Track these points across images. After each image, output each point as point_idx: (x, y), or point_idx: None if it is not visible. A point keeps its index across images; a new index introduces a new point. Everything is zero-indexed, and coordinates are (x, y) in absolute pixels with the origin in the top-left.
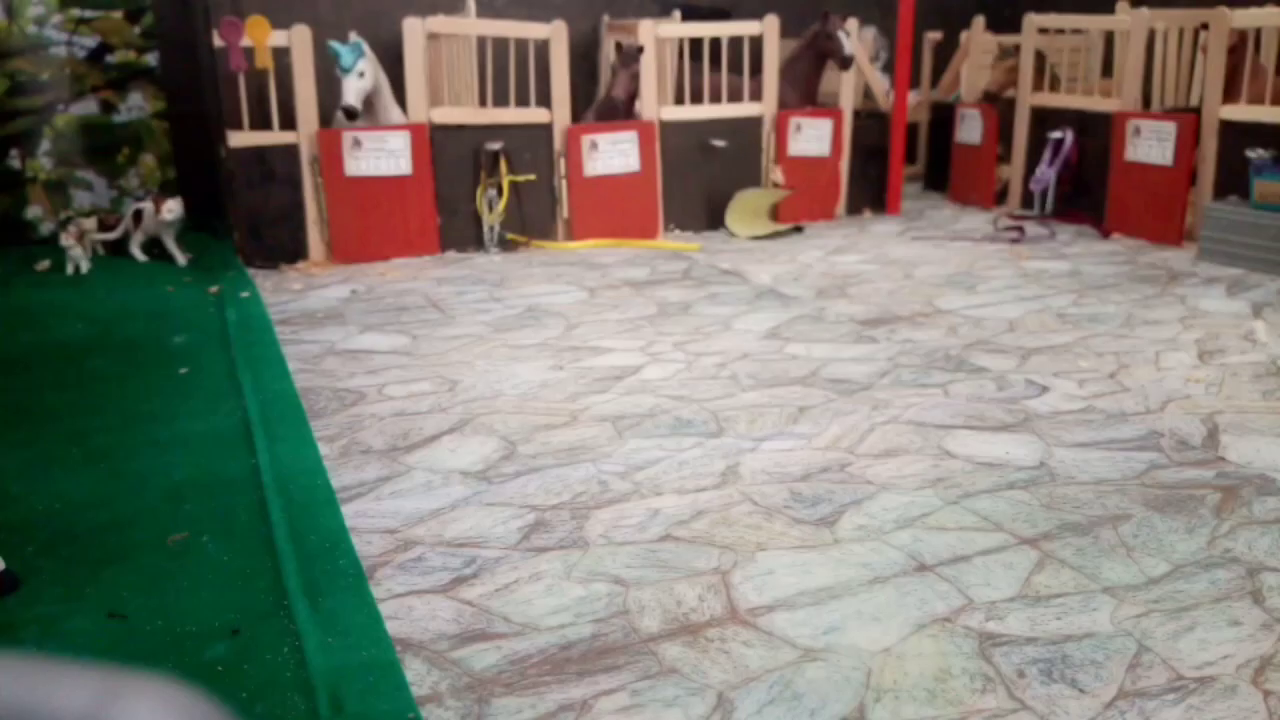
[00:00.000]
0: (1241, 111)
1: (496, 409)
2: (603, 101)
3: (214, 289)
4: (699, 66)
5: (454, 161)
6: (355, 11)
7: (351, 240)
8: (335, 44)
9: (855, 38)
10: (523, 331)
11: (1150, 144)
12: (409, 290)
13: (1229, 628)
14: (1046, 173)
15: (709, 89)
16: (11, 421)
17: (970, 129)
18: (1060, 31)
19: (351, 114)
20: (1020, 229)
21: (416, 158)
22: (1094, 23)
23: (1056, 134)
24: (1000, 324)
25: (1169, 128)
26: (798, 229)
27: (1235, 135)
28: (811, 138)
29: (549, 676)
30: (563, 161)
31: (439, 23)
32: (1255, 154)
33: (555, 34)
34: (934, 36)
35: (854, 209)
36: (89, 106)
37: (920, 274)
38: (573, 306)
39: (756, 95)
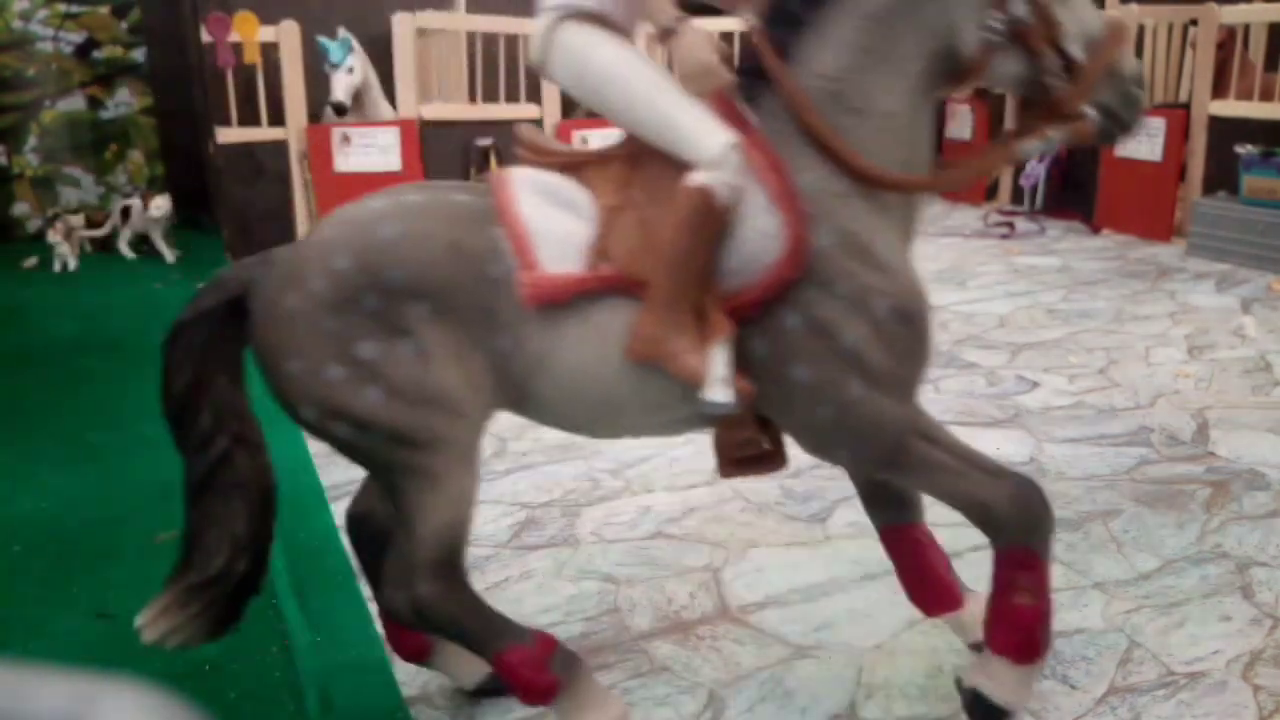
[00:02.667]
0: (1230, 107)
1: None
2: None
3: (202, 286)
4: None
5: (444, 158)
6: (344, 7)
7: None
8: (324, 39)
9: None
10: None
11: (1139, 140)
12: None
13: (1219, 623)
14: (1036, 169)
15: None
16: None
17: (961, 124)
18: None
19: (340, 110)
20: (1010, 224)
21: (406, 154)
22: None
23: None
24: (990, 319)
25: (1158, 123)
26: None
27: (1224, 130)
28: None
29: None
30: None
31: (428, 18)
32: (1244, 149)
33: None
34: None
35: None
36: (76, 102)
37: None
38: None
39: None
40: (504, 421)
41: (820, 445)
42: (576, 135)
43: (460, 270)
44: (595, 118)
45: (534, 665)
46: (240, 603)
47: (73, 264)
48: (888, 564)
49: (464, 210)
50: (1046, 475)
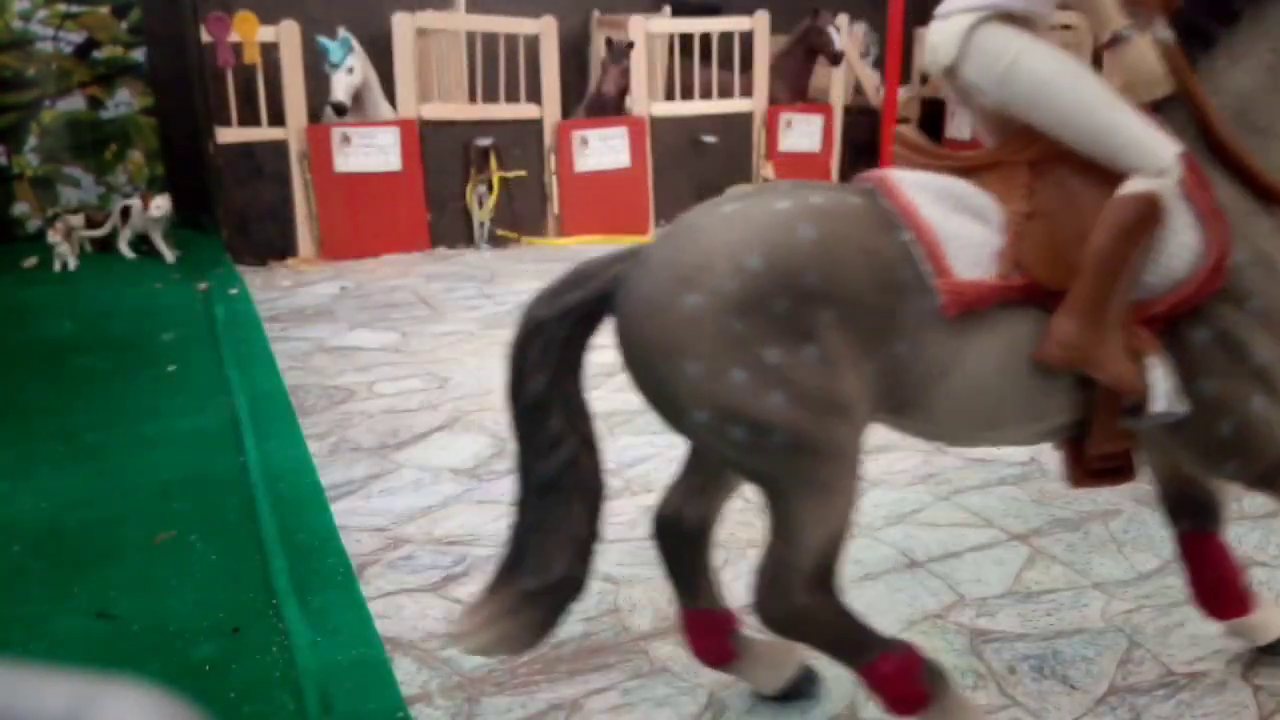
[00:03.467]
0: None
1: (487, 406)
2: (593, 97)
3: (202, 286)
4: (689, 62)
5: (444, 157)
6: (344, 7)
7: (341, 237)
8: (324, 39)
9: (845, 33)
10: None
11: None
12: (399, 287)
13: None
14: None
15: (699, 85)
16: None
17: (961, 125)
18: (1050, 27)
19: (341, 110)
20: None
21: (406, 154)
22: (1084, 19)
23: None
24: None
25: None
26: None
27: None
28: (802, 133)
29: (539, 675)
30: (553, 157)
31: (428, 18)
32: None
33: (545, 29)
34: (924, 32)
35: None
36: (76, 102)
37: None
38: None
39: (747, 91)
40: (503, 421)
41: (1208, 459)
42: (575, 135)
43: (870, 275)
44: (594, 117)
45: (906, 676)
46: (566, 607)
47: (73, 264)
48: (888, 564)
49: (868, 214)
50: (1047, 475)
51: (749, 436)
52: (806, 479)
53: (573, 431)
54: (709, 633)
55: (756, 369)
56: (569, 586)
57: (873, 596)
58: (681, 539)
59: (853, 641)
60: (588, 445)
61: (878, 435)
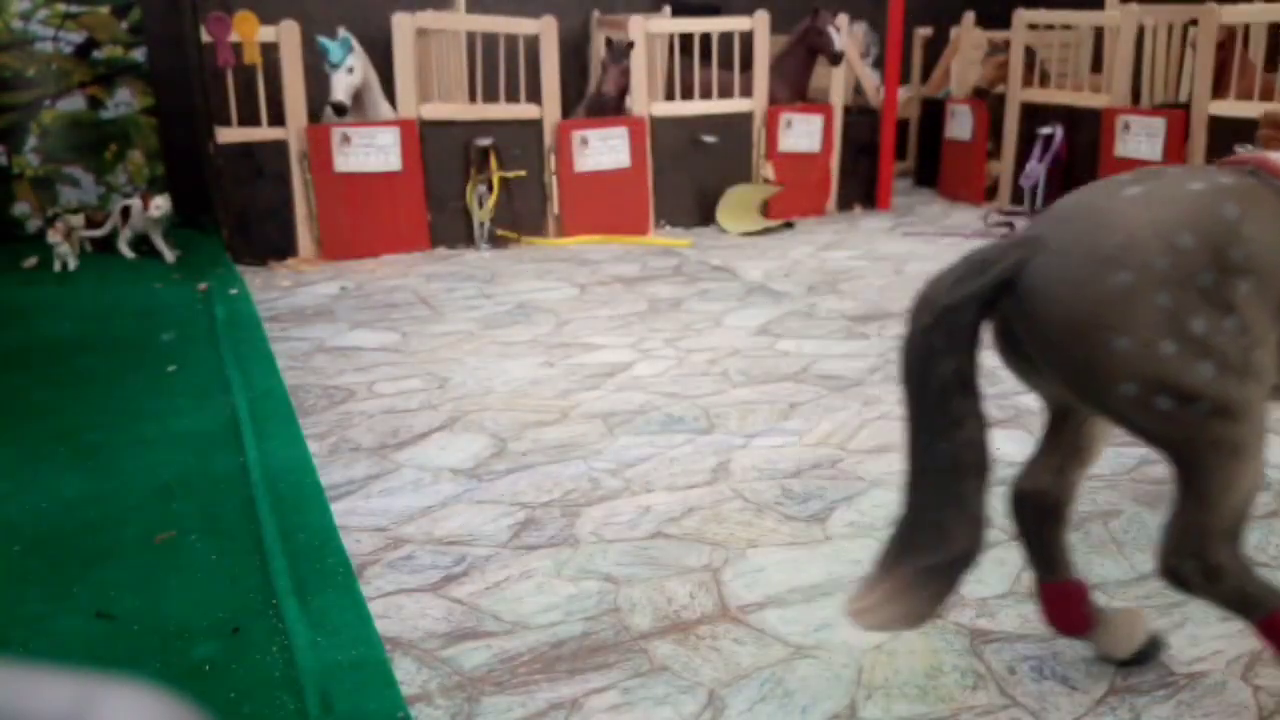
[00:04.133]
0: (1230, 107)
1: (487, 406)
2: (593, 97)
3: (202, 286)
4: (689, 62)
5: (444, 157)
6: (344, 7)
7: (341, 237)
8: (324, 39)
9: (845, 33)
10: (513, 328)
11: (1140, 140)
12: (399, 287)
13: (1219, 623)
14: (1036, 168)
15: (699, 85)
16: None
17: (960, 125)
18: (1050, 27)
19: (341, 110)
20: (1011, 225)
21: (406, 154)
22: (1084, 18)
23: (1046, 130)
24: None
25: (1158, 123)
26: (788, 225)
27: (1224, 131)
28: (802, 133)
29: (539, 675)
30: (553, 157)
31: (428, 18)
32: (1243, 150)
33: (545, 29)
34: (924, 32)
35: (845, 205)
36: (76, 102)
37: (911, 270)
38: (563, 303)
39: (747, 91)
40: (503, 421)
41: None
42: (575, 135)
43: None
44: (594, 117)
45: None
46: (961, 578)
47: (73, 264)
48: None
49: (1269, 192)
50: None
51: (1175, 406)
52: (1225, 443)
53: (972, 413)
54: (1068, 604)
55: (1186, 340)
56: (966, 560)
57: None
58: (1042, 514)
59: (1253, 597)
60: (983, 425)
61: (877, 435)
